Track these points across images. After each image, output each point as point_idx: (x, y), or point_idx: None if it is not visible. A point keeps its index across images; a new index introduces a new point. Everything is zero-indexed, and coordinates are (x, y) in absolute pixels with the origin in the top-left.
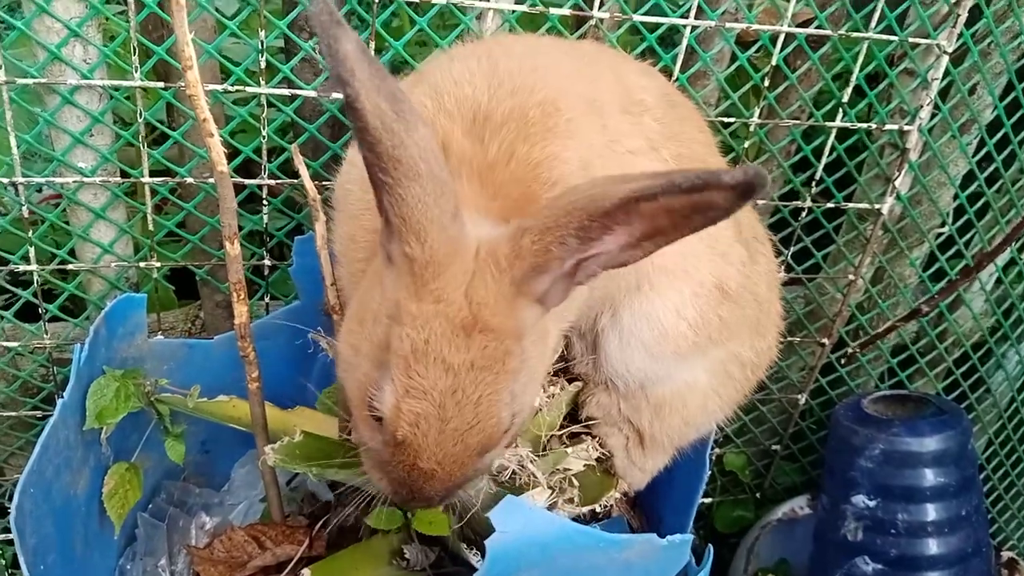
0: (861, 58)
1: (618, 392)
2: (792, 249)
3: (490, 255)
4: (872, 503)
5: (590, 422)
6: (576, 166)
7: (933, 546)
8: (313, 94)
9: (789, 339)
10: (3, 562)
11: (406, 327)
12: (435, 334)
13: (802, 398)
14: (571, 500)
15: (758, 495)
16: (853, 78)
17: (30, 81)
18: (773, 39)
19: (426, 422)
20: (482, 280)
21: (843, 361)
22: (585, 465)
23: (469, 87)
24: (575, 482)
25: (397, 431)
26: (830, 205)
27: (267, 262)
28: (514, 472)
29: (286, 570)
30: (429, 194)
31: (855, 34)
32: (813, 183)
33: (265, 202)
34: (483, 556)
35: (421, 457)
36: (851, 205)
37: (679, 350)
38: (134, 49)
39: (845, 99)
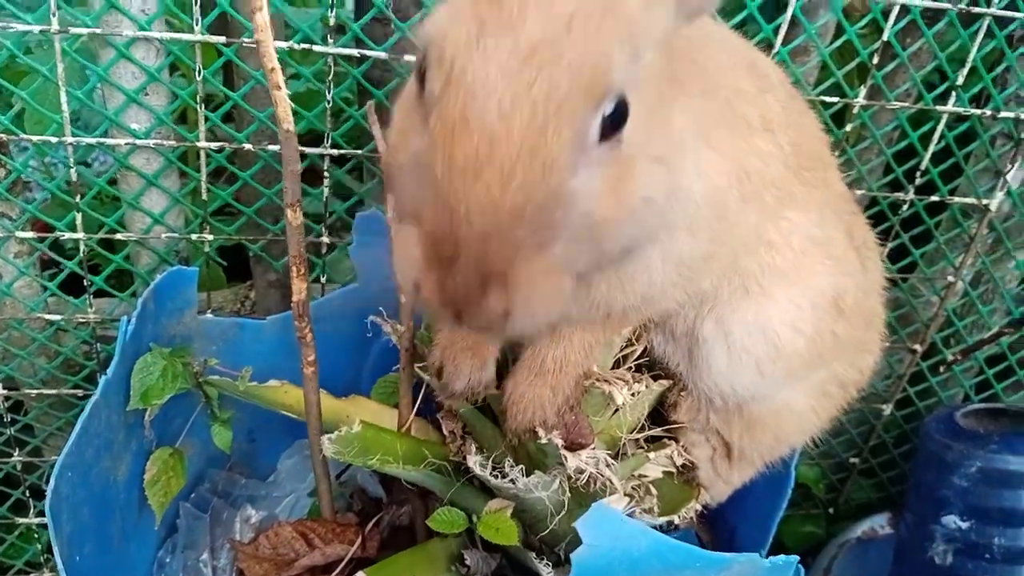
0: (980, 37)
1: (712, 405)
2: (888, 246)
3: None
4: (965, 525)
5: (674, 427)
6: None
7: None
8: (384, 56)
9: None
10: (39, 546)
11: None
12: None
13: (887, 408)
14: (649, 510)
15: (830, 511)
16: (969, 59)
17: (84, 31)
18: (885, 12)
19: (496, 75)
20: None
21: (942, 368)
22: (664, 472)
23: None
24: (653, 490)
25: (454, 70)
26: (934, 198)
27: (325, 239)
28: (590, 477)
29: (335, 571)
30: None
31: (976, 9)
32: (917, 174)
33: (326, 174)
34: (554, 567)
35: (473, 136)
36: (957, 199)
37: (791, 368)
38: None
39: (959, 82)
